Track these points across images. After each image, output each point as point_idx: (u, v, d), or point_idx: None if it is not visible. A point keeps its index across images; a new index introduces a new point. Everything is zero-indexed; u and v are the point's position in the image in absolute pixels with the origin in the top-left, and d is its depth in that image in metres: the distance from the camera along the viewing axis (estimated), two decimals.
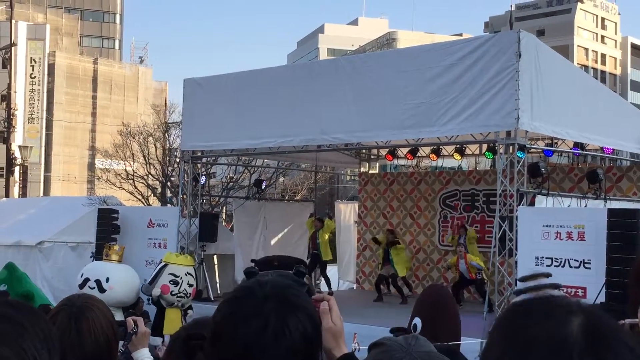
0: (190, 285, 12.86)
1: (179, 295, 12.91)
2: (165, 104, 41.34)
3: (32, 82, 59.69)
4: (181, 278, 12.89)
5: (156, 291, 13.01)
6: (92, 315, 2.74)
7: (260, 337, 1.63)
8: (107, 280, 13.93)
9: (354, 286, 19.93)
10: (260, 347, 1.63)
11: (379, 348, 1.82)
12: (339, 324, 1.86)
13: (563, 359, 1.25)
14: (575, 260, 11.20)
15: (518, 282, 4.27)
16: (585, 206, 12.99)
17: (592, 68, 78.66)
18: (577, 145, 14.50)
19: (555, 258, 11.37)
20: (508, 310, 1.42)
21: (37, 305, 11.14)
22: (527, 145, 12.49)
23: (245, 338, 1.64)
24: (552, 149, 15.11)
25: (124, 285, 14.01)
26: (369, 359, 1.79)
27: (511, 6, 67.17)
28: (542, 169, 12.85)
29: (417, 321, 4.02)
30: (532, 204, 12.51)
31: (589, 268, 11.07)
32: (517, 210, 11.91)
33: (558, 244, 11.33)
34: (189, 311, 13.07)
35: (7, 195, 31.01)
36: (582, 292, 11.04)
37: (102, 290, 13.65)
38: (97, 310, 2.78)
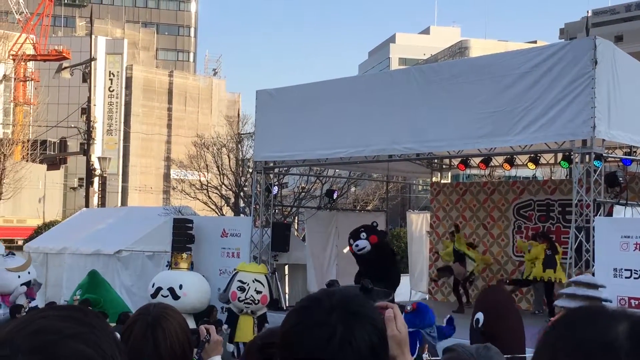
0: (258, 292, 12.97)
1: (246, 301, 13.08)
2: (238, 115, 41.94)
3: (111, 95, 61.49)
4: (248, 285, 13.07)
5: (226, 298, 13.27)
6: (168, 325, 2.81)
7: (326, 347, 1.65)
8: (181, 287, 14.23)
9: (427, 297, 19.76)
10: (326, 356, 1.65)
11: (450, 354, 1.83)
12: (404, 332, 1.87)
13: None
14: None
15: (572, 284, 4.18)
16: None
17: None
18: None
19: (634, 270, 11.04)
20: (557, 319, 1.44)
21: (117, 313, 11.48)
22: (604, 154, 12.19)
23: (311, 348, 1.66)
24: (631, 157, 14.68)
25: (196, 291, 14.28)
26: None
27: (587, 12, 65.77)
28: (620, 179, 12.51)
29: (480, 315, 4.00)
30: (609, 214, 12.20)
31: None
32: (594, 221, 11.63)
33: (637, 255, 11.01)
34: (265, 324, 13.18)
35: (87, 205, 31.96)
36: None
37: (176, 297, 13.95)
38: (173, 319, 2.85)
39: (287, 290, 17.84)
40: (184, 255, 15.37)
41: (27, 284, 14.01)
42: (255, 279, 13.05)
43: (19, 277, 13.98)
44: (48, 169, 43.76)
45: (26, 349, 1.21)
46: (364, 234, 15.53)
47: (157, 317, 2.83)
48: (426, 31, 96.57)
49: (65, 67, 43.14)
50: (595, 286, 4.00)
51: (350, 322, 1.69)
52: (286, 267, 18.02)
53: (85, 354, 1.23)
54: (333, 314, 1.69)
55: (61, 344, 1.22)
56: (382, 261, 15.46)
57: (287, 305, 16.28)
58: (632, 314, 1.36)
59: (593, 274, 11.57)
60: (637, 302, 11.01)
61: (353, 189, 32.07)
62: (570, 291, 3.99)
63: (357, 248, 15.52)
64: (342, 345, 1.65)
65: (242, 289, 13.08)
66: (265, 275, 13.48)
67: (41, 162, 44.95)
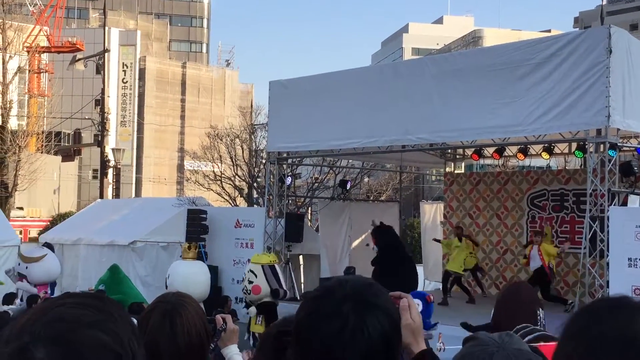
0: (250, 282, 13.07)
1: (244, 291, 13.30)
2: (251, 105, 41.98)
3: (124, 86, 61.65)
4: (245, 275, 13.24)
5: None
6: (185, 312, 2.83)
7: (339, 336, 1.67)
8: (169, 277, 14.50)
9: (440, 286, 19.76)
10: (339, 346, 1.66)
11: (473, 342, 1.85)
12: (418, 321, 1.89)
13: (631, 356, 1.26)
14: None
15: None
16: None
17: None
18: None
19: None
20: (579, 310, 1.44)
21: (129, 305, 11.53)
22: (618, 144, 12.13)
23: (324, 337, 1.68)
24: None
25: (182, 282, 14.36)
26: (463, 351, 1.82)
27: (602, 0, 65.21)
28: (635, 168, 12.46)
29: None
30: (624, 203, 12.15)
31: None
32: (608, 211, 11.58)
33: None
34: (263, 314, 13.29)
35: (101, 196, 32.13)
36: None
37: (166, 287, 14.28)
38: (190, 307, 2.87)
39: (302, 280, 17.90)
40: (188, 245, 15.53)
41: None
42: (250, 270, 13.15)
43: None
44: (63, 161, 43.98)
45: (45, 337, 1.21)
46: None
47: (175, 305, 2.85)
48: (439, 21, 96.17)
49: (79, 59, 43.32)
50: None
51: (363, 312, 1.70)
52: (300, 257, 18.07)
53: (103, 342, 1.24)
54: (346, 304, 1.70)
55: (80, 332, 1.23)
56: (388, 262, 15.48)
57: (299, 295, 16.33)
58: None
59: (607, 264, 11.55)
60: None
61: (366, 179, 32.05)
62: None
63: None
64: (354, 335, 1.67)
65: (243, 280, 13.34)
66: (263, 266, 13.49)
67: (56, 153, 45.16)
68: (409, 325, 1.88)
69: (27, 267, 13.81)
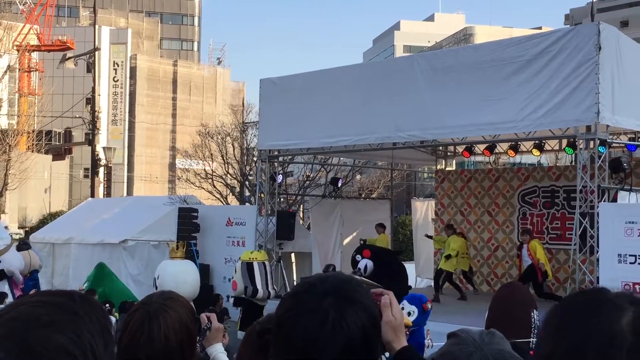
0: (230, 280, 13.18)
1: None
2: (243, 104, 41.91)
3: (115, 85, 61.46)
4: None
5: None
6: (166, 317, 2.77)
7: (319, 331, 1.67)
8: (158, 277, 14.54)
9: (432, 284, 19.79)
10: (319, 341, 1.66)
11: (453, 339, 1.84)
12: (399, 318, 1.89)
13: (612, 355, 1.24)
14: None
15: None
16: None
17: None
18: None
19: (639, 255, 11.05)
20: (557, 307, 1.41)
21: (119, 302, 11.49)
22: (608, 140, 12.17)
23: (304, 332, 1.68)
24: (636, 143, 14.66)
25: (170, 281, 14.44)
26: (443, 348, 1.81)
27: None
28: (625, 164, 12.49)
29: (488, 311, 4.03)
30: (614, 200, 12.19)
31: None
32: (598, 207, 11.62)
33: None
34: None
35: (92, 195, 32.04)
36: None
37: (155, 287, 14.33)
38: (173, 311, 2.81)
39: (294, 278, 17.90)
40: (175, 244, 15.59)
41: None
42: (236, 266, 13.27)
43: None
44: (53, 160, 43.83)
45: (1, 335, 1.20)
46: (358, 256, 15.07)
47: (157, 308, 2.80)
48: (431, 18, 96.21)
49: (69, 58, 43.19)
50: None
51: (343, 307, 1.70)
52: (292, 255, 18.07)
53: (58, 343, 1.21)
54: (326, 300, 1.71)
55: (34, 332, 1.21)
56: (387, 271, 15.39)
57: None
58: (635, 299, 1.33)
59: (597, 260, 11.59)
60: None
61: (358, 176, 32.08)
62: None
63: (364, 273, 15.11)
64: (334, 330, 1.67)
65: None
66: (242, 262, 13.46)
67: (46, 152, 45.03)
68: (390, 322, 1.89)
69: None
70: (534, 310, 4.26)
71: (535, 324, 4.19)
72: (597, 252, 11.56)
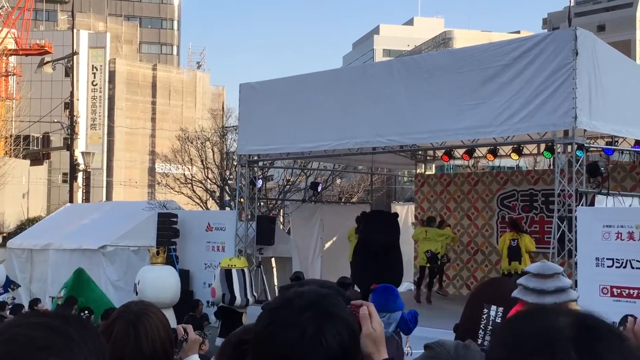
0: (209, 285, 13.22)
1: None
2: (223, 108, 41.82)
3: (94, 89, 61.09)
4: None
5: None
6: (149, 321, 2.82)
7: (298, 346, 1.67)
8: (139, 282, 14.52)
9: (412, 287, 19.84)
10: (297, 356, 1.67)
11: (428, 352, 1.84)
12: (379, 330, 1.89)
13: (551, 352, 1.26)
14: (637, 261, 10.95)
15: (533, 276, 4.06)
16: None
17: None
18: (639, 143, 14.17)
19: (616, 259, 11.14)
20: (505, 321, 1.46)
21: (102, 311, 11.42)
22: (585, 144, 12.26)
23: (283, 347, 1.68)
24: (613, 147, 14.80)
25: (151, 287, 14.45)
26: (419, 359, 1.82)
27: (570, 1, 65.97)
28: (602, 168, 12.59)
29: (494, 310, 4.05)
30: (592, 204, 12.28)
31: None
32: (576, 211, 11.71)
33: (619, 245, 11.10)
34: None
35: (71, 200, 31.80)
36: None
37: (136, 292, 14.31)
38: (154, 316, 2.86)
39: (275, 283, 17.87)
40: (156, 250, 15.54)
41: None
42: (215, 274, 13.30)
43: None
44: (31, 165, 43.50)
45: None
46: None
47: (138, 314, 2.84)
48: (410, 22, 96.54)
49: (48, 62, 42.82)
50: (543, 276, 3.90)
51: (321, 322, 1.71)
52: (273, 260, 18.03)
53: None
54: (304, 314, 1.71)
55: (30, 355, 1.22)
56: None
57: (272, 298, 16.27)
58: (577, 311, 1.37)
59: (576, 264, 11.67)
60: (618, 291, 11.12)
61: (338, 180, 32.10)
62: (523, 282, 3.96)
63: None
64: (313, 344, 1.67)
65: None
66: (221, 269, 13.44)
67: (24, 157, 44.65)
68: (370, 335, 1.89)
69: None
70: (493, 308, 4.28)
71: (491, 320, 4.21)
72: (575, 255, 11.64)
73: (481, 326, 4.15)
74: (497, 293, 4.41)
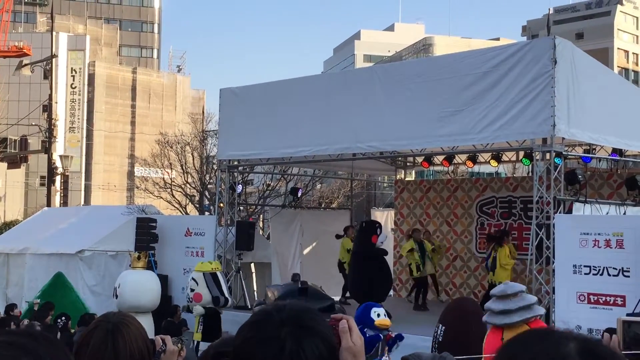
0: (192, 290, 13.16)
1: (187, 299, 13.43)
2: (203, 112, 41.72)
3: (73, 92, 60.69)
4: (188, 283, 13.36)
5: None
6: (128, 331, 2.81)
7: None
8: (119, 286, 14.47)
9: (391, 293, 19.88)
10: None
11: None
12: (359, 343, 1.89)
13: None
14: (614, 268, 11.05)
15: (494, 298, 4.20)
16: (624, 213, 12.81)
17: (633, 71, 77.58)
18: (616, 151, 14.30)
19: (593, 266, 11.24)
20: (506, 343, 1.46)
21: (78, 316, 11.30)
22: (564, 152, 12.36)
23: None
24: (590, 155, 14.92)
25: (132, 290, 14.41)
26: None
27: (549, 10, 66.60)
28: (580, 176, 12.70)
29: (440, 328, 4.10)
30: (569, 211, 12.38)
31: (628, 276, 10.93)
32: (554, 218, 11.80)
33: (596, 252, 11.20)
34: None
35: (48, 204, 31.55)
36: (621, 301, 10.90)
37: (116, 296, 14.25)
38: (132, 326, 2.85)
39: (255, 288, 17.82)
40: (137, 254, 15.47)
41: None
42: (192, 278, 13.23)
43: None
44: (8, 168, 43.04)
45: None
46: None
47: (117, 323, 2.84)
48: (391, 28, 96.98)
49: (26, 64, 42.47)
50: (507, 296, 4.03)
51: (300, 336, 1.71)
52: (252, 265, 17.99)
53: None
54: (283, 329, 1.71)
55: None
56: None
57: (251, 304, 16.23)
58: (579, 335, 1.40)
59: (553, 271, 11.75)
60: (595, 298, 11.21)
61: (318, 186, 32.13)
62: (489, 306, 4.09)
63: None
64: (292, 359, 1.67)
65: (186, 288, 13.49)
66: (204, 274, 13.41)
67: (1, 160, 44.21)
68: (349, 348, 1.88)
69: None
70: (440, 325, 4.40)
71: (436, 337, 4.30)
72: (553, 262, 11.72)
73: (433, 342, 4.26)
74: (453, 312, 4.53)
